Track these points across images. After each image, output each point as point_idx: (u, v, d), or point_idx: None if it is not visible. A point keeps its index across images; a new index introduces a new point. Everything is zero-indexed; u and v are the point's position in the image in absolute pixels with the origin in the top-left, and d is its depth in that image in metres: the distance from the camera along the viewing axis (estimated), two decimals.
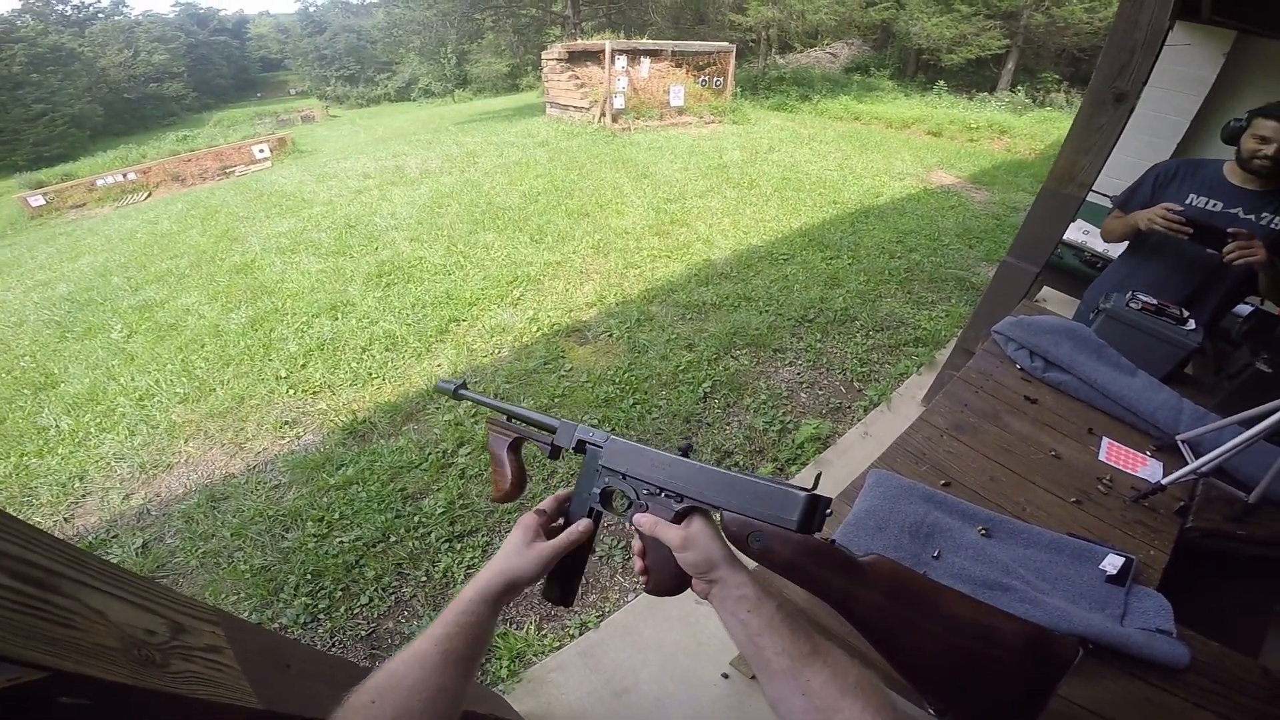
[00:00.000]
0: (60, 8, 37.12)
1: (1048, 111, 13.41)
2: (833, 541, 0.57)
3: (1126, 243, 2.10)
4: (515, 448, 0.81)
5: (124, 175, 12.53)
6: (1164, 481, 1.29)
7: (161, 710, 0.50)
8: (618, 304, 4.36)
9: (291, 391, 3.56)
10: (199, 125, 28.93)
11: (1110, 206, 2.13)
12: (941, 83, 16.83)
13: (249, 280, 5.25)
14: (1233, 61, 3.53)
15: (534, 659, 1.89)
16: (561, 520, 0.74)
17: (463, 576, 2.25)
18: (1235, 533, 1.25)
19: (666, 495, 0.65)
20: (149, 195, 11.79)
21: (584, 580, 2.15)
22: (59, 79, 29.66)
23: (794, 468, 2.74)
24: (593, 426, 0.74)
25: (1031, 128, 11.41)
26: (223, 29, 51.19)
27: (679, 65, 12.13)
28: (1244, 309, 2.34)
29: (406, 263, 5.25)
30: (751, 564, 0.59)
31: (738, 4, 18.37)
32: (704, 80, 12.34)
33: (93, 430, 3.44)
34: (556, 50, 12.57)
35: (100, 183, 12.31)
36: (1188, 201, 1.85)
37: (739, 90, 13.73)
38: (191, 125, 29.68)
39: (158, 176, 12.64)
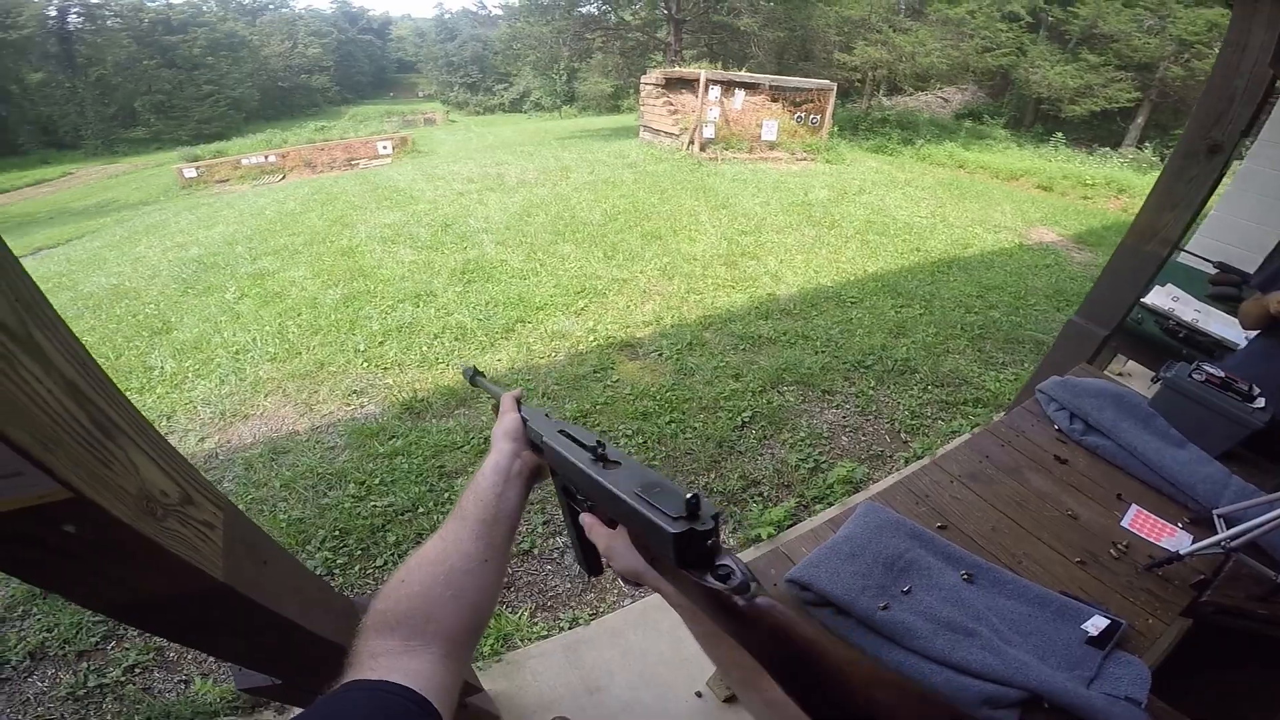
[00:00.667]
0: None
1: None
2: (744, 577, 0.42)
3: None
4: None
5: (266, 157, 14.23)
6: (1182, 552, 1.21)
7: (139, 551, 0.60)
8: (673, 326, 4.46)
9: (366, 364, 3.92)
10: (336, 117, 32.11)
11: (1210, 271, 1.96)
12: (1060, 134, 15.92)
13: (350, 262, 5.82)
14: None
15: (520, 644, 1.99)
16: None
17: None
18: (1256, 611, 1.16)
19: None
20: (283, 178, 13.27)
21: (584, 581, 2.26)
22: (229, 63, 33.65)
23: (819, 505, 2.71)
24: (587, 442, 0.58)
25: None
26: (369, 28, 56.53)
27: (775, 100, 12.14)
28: None
29: (489, 264, 5.63)
30: None
31: (845, 44, 18.21)
32: (800, 117, 12.27)
33: (189, 375, 3.92)
34: (654, 75, 12.88)
35: (245, 162, 14.04)
36: None
37: (837, 129, 13.56)
38: (330, 117, 32.93)
39: (293, 161, 14.23)
